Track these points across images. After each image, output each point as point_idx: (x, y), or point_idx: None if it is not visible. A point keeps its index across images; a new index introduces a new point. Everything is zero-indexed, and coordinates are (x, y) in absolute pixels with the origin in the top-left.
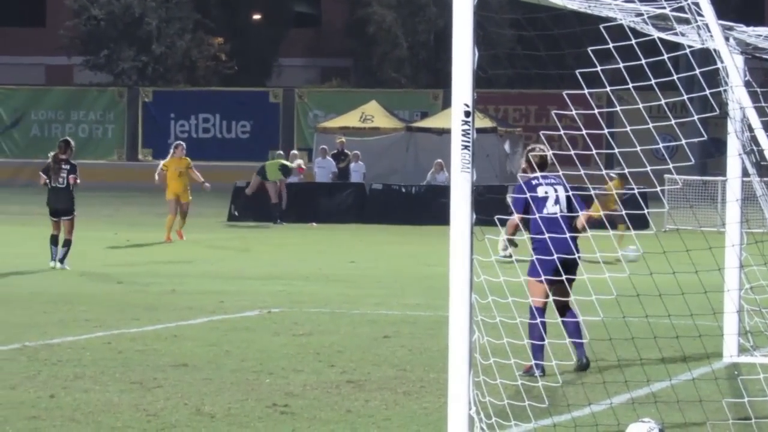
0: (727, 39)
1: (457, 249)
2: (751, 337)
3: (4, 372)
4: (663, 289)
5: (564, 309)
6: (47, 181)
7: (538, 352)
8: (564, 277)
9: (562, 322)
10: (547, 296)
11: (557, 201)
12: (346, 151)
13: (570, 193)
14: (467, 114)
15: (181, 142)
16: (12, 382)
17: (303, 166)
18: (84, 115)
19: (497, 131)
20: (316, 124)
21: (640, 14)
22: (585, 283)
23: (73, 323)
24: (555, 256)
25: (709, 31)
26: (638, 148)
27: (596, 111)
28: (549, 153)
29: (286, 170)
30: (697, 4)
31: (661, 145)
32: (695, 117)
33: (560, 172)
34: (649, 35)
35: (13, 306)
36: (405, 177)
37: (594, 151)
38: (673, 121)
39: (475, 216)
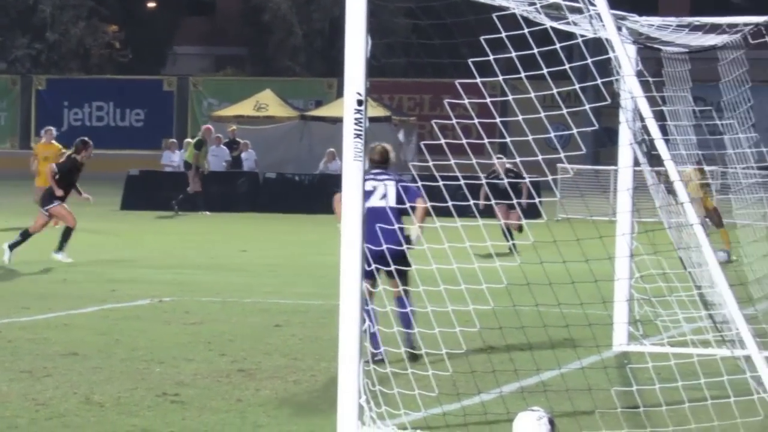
0: (619, 29)
1: (349, 238)
2: (640, 326)
3: None
4: (554, 278)
5: (398, 299)
6: None
7: (371, 338)
8: (386, 268)
9: (398, 309)
10: (373, 286)
11: (384, 195)
12: (237, 139)
13: (402, 187)
14: (360, 103)
15: (51, 128)
16: None
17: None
18: None
19: (391, 120)
20: (210, 112)
21: (532, 3)
22: (476, 272)
23: None
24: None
25: (602, 21)
26: (530, 137)
27: (489, 100)
28: (390, 150)
29: (199, 144)
30: None
31: (553, 134)
32: (587, 106)
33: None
34: (542, 24)
35: None
36: (299, 166)
37: (486, 140)
38: (565, 111)
39: (420, 187)
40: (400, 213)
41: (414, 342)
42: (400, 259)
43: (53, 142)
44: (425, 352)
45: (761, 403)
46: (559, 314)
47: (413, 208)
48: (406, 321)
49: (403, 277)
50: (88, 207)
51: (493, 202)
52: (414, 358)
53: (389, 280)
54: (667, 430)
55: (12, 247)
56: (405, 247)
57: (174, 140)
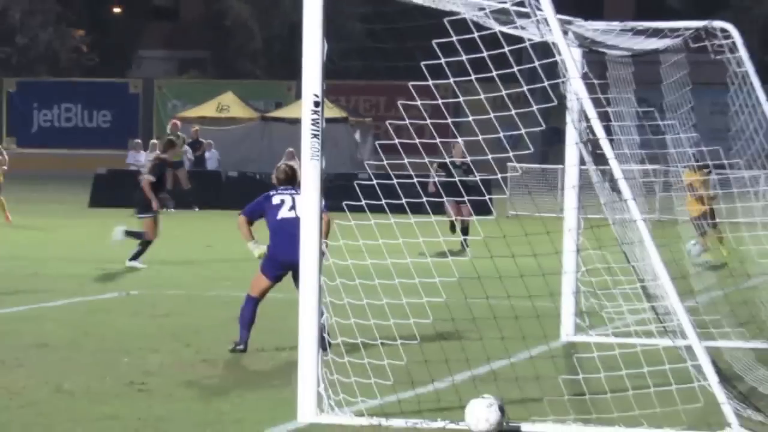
0: (565, 33)
1: (307, 234)
2: (586, 318)
3: None
4: (504, 272)
5: None
6: None
7: (244, 329)
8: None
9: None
10: (266, 291)
11: (293, 207)
12: (200, 139)
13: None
14: (316, 104)
15: None
16: None
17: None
18: None
19: (348, 121)
20: (174, 114)
21: (482, 8)
22: (429, 266)
23: None
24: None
25: (548, 25)
26: (481, 137)
27: (441, 101)
28: (295, 167)
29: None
30: None
31: (502, 135)
32: (535, 107)
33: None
34: (492, 29)
35: None
36: (260, 165)
37: (439, 140)
38: (513, 112)
39: (324, 202)
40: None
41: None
42: None
43: None
44: (381, 342)
45: (701, 390)
46: (509, 306)
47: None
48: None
49: None
50: (57, 204)
51: (444, 199)
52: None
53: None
54: (612, 417)
55: (135, 258)
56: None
57: (139, 141)
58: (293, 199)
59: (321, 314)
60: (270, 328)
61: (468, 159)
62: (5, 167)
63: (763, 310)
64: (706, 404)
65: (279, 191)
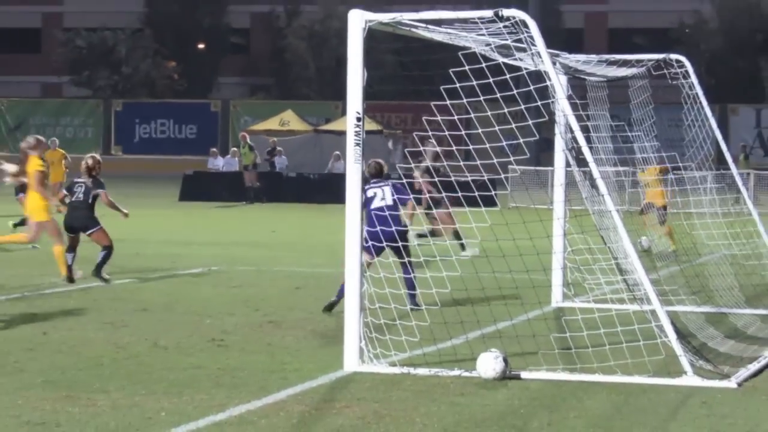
0: (554, 63)
1: (351, 221)
2: (572, 288)
3: (8, 315)
4: (506, 252)
5: (403, 268)
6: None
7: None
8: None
9: (400, 277)
10: (370, 265)
11: (383, 198)
12: (278, 148)
13: (395, 188)
14: (358, 119)
15: (55, 139)
16: (14, 323)
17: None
18: (70, 120)
19: (382, 132)
20: (245, 128)
21: (488, 44)
22: (448, 248)
23: (60, 278)
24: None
25: (540, 57)
26: (488, 145)
27: (456, 117)
28: (382, 163)
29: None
30: (531, 37)
31: (505, 143)
32: (530, 122)
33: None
34: (496, 60)
35: (16, 266)
36: (313, 167)
37: (455, 147)
38: (513, 125)
39: (410, 193)
40: (396, 206)
41: (417, 299)
42: (402, 238)
43: (57, 148)
44: (409, 308)
45: (663, 346)
46: (511, 279)
47: (405, 205)
48: (410, 284)
49: (406, 252)
50: (152, 198)
51: (434, 211)
52: (415, 309)
53: (396, 255)
54: (593, 366)
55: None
56: (413, 231)
57: (215, 149)
58: (383, 191)
59: (362, 285)
60: (322, 296)
61: (444, 163)
62: (68, 169)
63: (710, 281)
64: (666, 356)
65: (371, 185)
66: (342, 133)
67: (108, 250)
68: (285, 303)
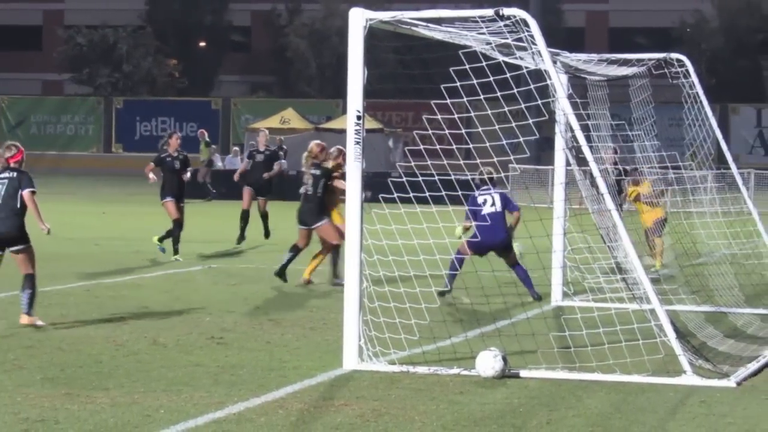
0: (554, 62)
1: (352, 219)
2: (571, 287)
3: (8, 312)
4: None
5: (514, 266)
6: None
7: (450, 279)
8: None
9: (516, 273)
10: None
11: (493, 204)
12: (284, 146)
13: (504, 198)
14: (359, 118)
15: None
16: (13, 320)
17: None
18: (71, 118)
19: (383, 131)
20: (246, 125)
21: (489, 43)
22: (447, 246)
23: (61, 276)
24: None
25: (541, 56)
26: (488, 144)
27: (456, 116)
28: (493, 173)
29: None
30: (532, 36)
31: (505, 142)
32: (530, 121)
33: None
34: (496, 59)
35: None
36: None
37: (455, 146)
38: (513, 124)
39: (364, 194)
40: (504, 215)
41: (533, 290)
42: (508, 244)
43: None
44: (408, 306)
45: (662, 345)
46: (510, 278)
47: (512, 213)
48: (524, 277)
49: (511, 254)
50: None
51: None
52: (539, 299)
53: (505, 256)
54: (592, 365)
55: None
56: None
57: (237, 148)
58: (493, 198)
59: (362, 283)
60: (322, 294)
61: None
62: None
63: (710, 281)
64: (666, 355)
65: (481, 192)
66: (343, 131)
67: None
68: (285, 301)
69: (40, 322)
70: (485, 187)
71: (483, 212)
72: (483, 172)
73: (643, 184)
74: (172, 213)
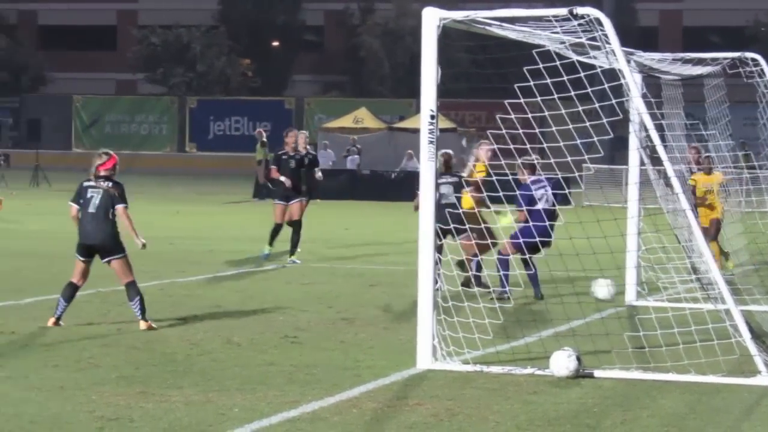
0: (628, 61)
1: (425, 219)
2: (645, 287)
3: (83, 311)
4: (580, 250)
5: (533, 265)
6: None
7: (506, 282)
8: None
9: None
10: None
11: (548, 199)
12: (357, 146)
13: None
14: (432, 117)
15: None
16: (89, 319)
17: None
18: (145, 117)
19: (456, 130)
20: (320, 125)
21: (563, 42)
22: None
23: (135, 275)
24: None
25: (615, 56)
26: (562, 144)
27: (530, 115)
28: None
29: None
30: (606, 35)
31: (579, 141)
32: (605, 120)
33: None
34: (570, 58)
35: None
36: (387, 165)
37: (528, 146)
38: (587, 123)
39: (438, 194)
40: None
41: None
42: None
43: None
44: (483, 306)
45: (737, 345)
46: (585, 277)
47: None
48: (535, 278)
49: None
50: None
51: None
52: (540, 299)
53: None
54: (666, 365)
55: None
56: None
57: (326, 142)
58: (546, 192)
59: (435, 282)
60: (396, 294)
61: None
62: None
63: None
64: (741, 356)
65: (536, 185)
66: (416, 131)
67: None
68: (358, 300)
69: (154, 325)
70: (538, 179)
71: (537, 207)
72: (526, 166)
73: (714, 174)
74: (276, 216)
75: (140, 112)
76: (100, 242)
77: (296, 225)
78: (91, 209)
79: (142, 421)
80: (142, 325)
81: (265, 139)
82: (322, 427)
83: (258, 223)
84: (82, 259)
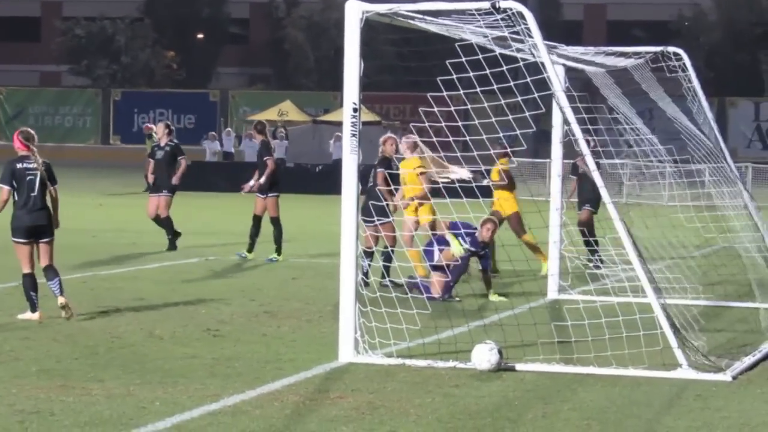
0: (551, 55)
1: (347, 211)
2: (569, 278)
3: (5, 303)
4: (506, 242)
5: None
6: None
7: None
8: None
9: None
10: None
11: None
12: (282, 132)
13: None
14: (355, 110)
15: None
16: (10, 312)
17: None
18: (69, 109)
19: (380, 123)
20: (244, 117)
21: (485, 35)
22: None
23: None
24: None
25: (537, 49)
26: (485, 137)
27: (453, 109)
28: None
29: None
30: (528, 29)
31: (502, 135)
32: (527, 114)
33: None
34: (493, 51)
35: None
36: (312, 158)
37: (452, 138)
38: (510, 117)
39: (360, 186)
40: None
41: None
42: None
43: None
44: (411, 296)
45: (662, 337)
46: (512, 269)
47: None
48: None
49: None
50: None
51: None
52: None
53: None
54: (589, 357)
55: None
56: None
57: (214, 133)
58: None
59: (357, 275)
60: (318, 287)
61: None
62: None
63: (708, 274)
64: (664, 348)
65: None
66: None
67: None
68: (281, 293)
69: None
70: (454, 224)
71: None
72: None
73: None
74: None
75: (64, 104)
76: (46, 222)
77: (160, 221)
78: (34, 192)
79: (62, 414)
80: (61, 300)
81: (153, 134)
82: (243, 421)
83: (180, 216)
84: (25, 241)
